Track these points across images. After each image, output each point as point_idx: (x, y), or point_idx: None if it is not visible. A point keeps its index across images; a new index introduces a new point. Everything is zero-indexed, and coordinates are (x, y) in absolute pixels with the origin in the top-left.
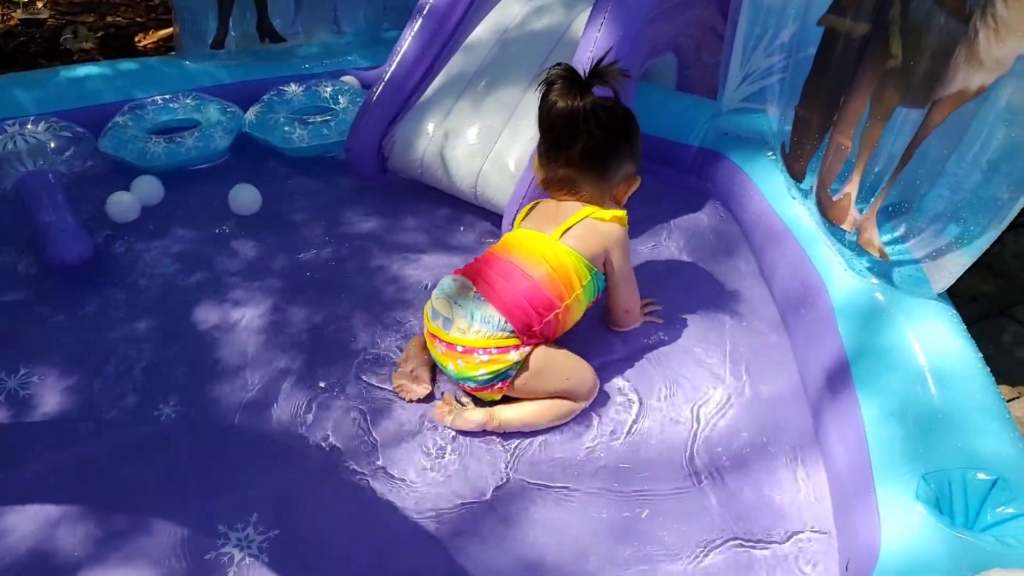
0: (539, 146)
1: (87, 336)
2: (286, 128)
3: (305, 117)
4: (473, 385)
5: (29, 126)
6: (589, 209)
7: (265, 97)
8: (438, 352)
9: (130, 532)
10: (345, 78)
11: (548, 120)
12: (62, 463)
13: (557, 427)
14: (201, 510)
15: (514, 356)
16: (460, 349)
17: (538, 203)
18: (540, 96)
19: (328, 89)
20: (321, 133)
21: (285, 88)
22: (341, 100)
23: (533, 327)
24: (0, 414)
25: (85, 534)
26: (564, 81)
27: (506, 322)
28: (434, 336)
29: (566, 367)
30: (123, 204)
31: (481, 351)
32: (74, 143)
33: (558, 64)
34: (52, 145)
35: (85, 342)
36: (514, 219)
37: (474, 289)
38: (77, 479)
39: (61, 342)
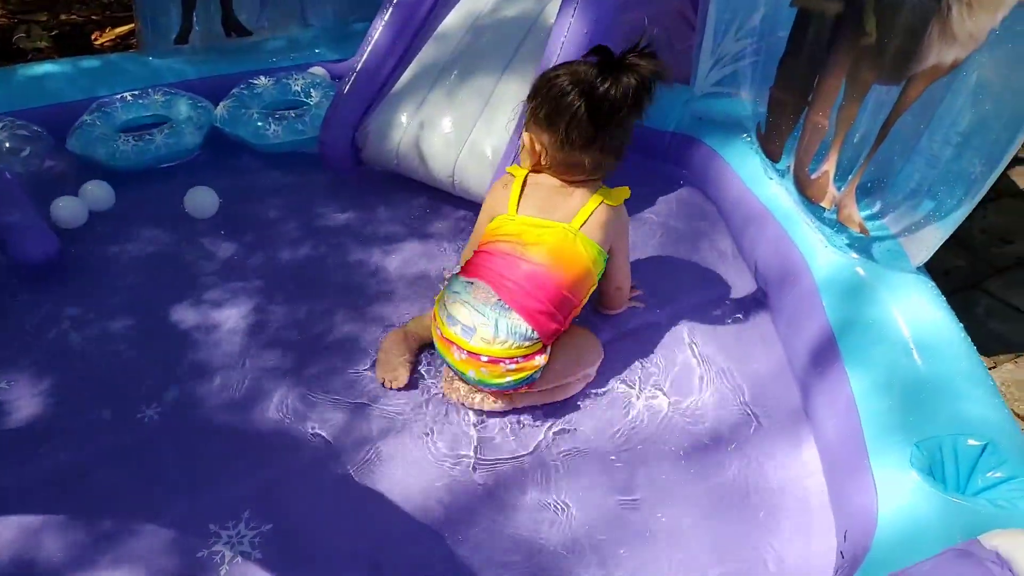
0: (556, 133)
1: (58, 339)
2: (259, 124)
3: (278, 112)
4: (494, 388)
5: None
6: (600, 194)
7: (234, 91)
8: (455, 358)
9: (118, 535)
10: (314, 70)
11: (594, 111)
12: (43, 468)
13: (548, 413)
14: (190, 509)
15: (540, 360)
16: (485, 359)
17: (526, 178)
18: (575, 90)
19: (299, 82)
20: (295, 128)
21: (255, 81)
22: (313, 93)
23: (559, 330)
24: None
25: (71, 539)
26: (604, 67)
27: (533, 331)
28: (451, 342)
29: (580, 348)
30: (68, 209)
31: (508, 361)
32: (31, 142)
33: (590, 53)
34: (7, 145)
35: (57, 345)
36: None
37: (496, 296)
38: (60, 484)
39: (31, 345)
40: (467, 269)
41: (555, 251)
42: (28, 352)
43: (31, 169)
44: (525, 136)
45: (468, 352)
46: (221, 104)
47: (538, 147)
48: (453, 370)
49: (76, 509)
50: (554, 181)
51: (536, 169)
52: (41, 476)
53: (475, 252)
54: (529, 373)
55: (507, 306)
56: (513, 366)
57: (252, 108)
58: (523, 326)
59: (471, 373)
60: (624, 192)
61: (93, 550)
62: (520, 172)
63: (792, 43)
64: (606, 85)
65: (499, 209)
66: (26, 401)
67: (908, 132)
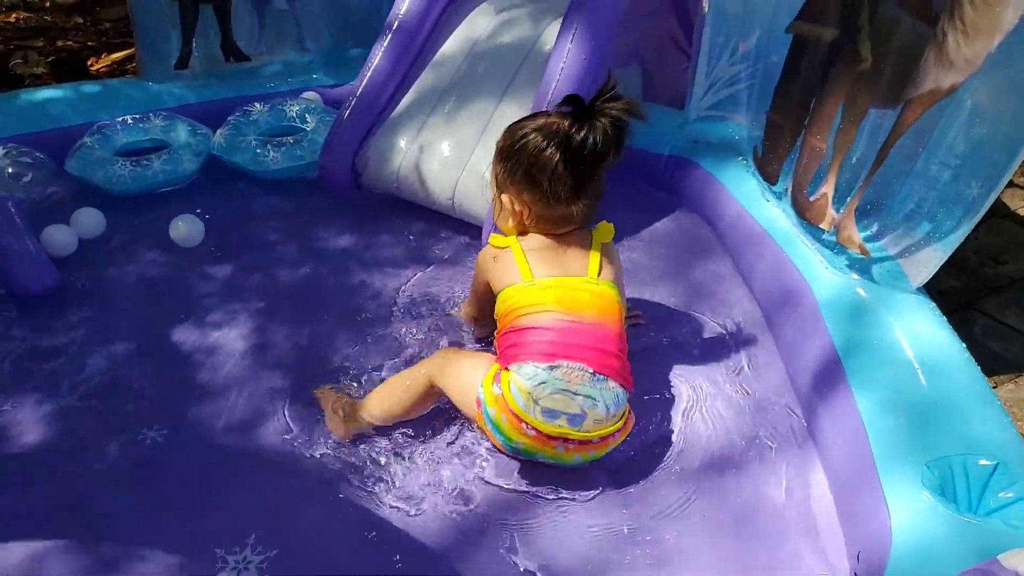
0: (539, 190)
1: (58, 364)
2: (258, 151)
3: (276, 138)
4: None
5: None
6: (597, 235)
7: (231, 119)
8: (557, 451)
9: (123, 560)
10: (307, 95)
11: (576, 161)
12: (46, 492)
13: None
14: (195, 534)
15: (631, 416)
16: (596, 440)
17: (529, 242)
18: (551, 143)
19: (294, 108)
20: (294, 154)
21: (250, 108)
22: (309, 119)
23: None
24: None
25: (77, 564)
26: (577, 116)
27: (624, 390)
28: (554, 438)
29: None
30: (58, 238)
31: (616, 433)
32: (33, 169)
33: (557, 106)
34: (10, 171)
35: (58, 370)
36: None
37: (591, 369)
38: (64, 508)
39: (31, 369)
40: (531, 353)
41: (598, 304)
42: (29, 376)
43: (32, 196)
44: (504, 199)
45: (578, 442)
46: (218, 132)
47: (519, 207)
48: (548, 460)
49: (81, 533)
50: (545, 240)
51: (521, 231)
52: (45, 499)
53: (515, 330)
54: (628, 428)
55: (603, 376)
56: (618, 435)
57: (250, 135)
58: (619, 390)
59: (576, 458)
60: (609, 228)
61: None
62: (506, 239)
63: (788, 68)
64: (583, 133)
65: (508, 279)
66: (29, 424)
67: (904, 154)
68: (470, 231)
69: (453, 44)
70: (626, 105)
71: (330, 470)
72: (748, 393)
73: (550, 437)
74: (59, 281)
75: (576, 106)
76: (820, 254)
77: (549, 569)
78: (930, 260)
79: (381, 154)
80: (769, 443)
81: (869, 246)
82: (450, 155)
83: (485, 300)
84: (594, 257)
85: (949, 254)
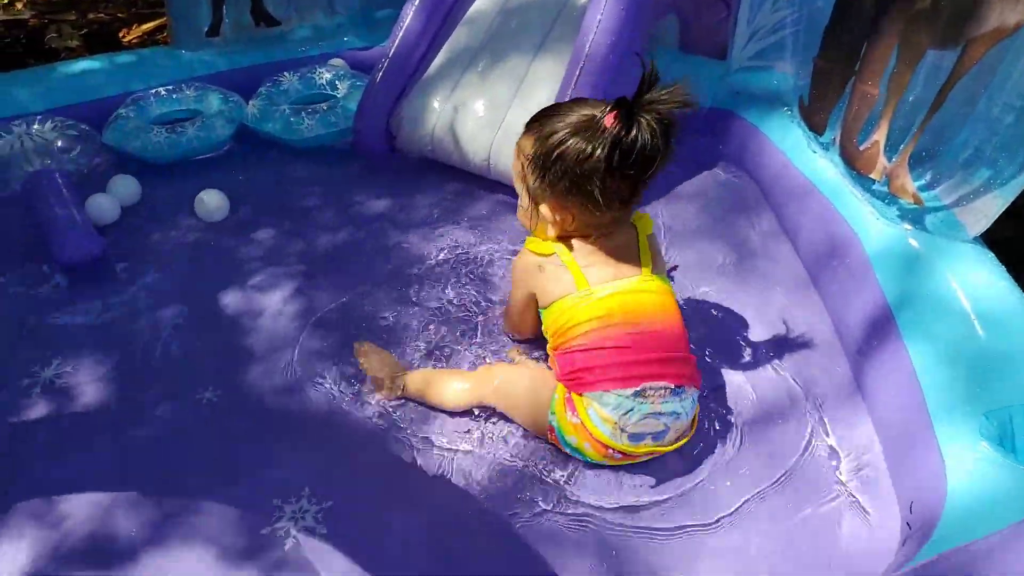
0: (588, 199)
1: (113, 328)
2: (291, 119)
3: (309, 106)
4: None
5: (36, 126)
6: (641, 229)
7: (262, 89)
8: (640, 458)
9: (184, 513)
10: (334, 61)
11: (628, 166)
12: (110, 449)
13: None
14: (252, 488)
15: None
16: (679, 443)
17: (575, 245)
18: (596, 147)
19: (324, 76)
20: (328, 121)
21: (280, 78)
22: (339, 86)
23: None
24: (41, 405)
25: (141, 517)
26: (620, 109)
27: (696, 390)
28: (641, 454)
29: None
30: (102, 207)
31: (689, 429)
32: (80, 141)
33: (607, 102)
34: (58, 144)
35: (112, 334)
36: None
37: (671, 386)
38: (126, 464)
39: (88, 334)
40: (609, 379)
41: (660, 303)
42: (85, 341)
43: (80, 168)
44: (543, 210)
45: (661, 452)
46: (251, 103)
47: (560, 216)
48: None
49: (144, 488)
50: (591, 246)
51: (563, 237)
52: (109, 457)
53: (582, 351)
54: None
55: (682, 387)
56: (690, 430)
57: (282, 104)
58: (695, 393)
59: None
60: (649, 221)
61: (163, 529)
62: (549, 245)
63: (838, 10)
64: (633, 133)
65: (559, 290)
66: (88, 386)
67: (965, 97)
68: (505, 190)
69: (485, 1)
70: (674, 95)
71: (377, 425)
72: (793, 346)
73: (637, 455)
74: (104, 249)
75: (619, 103)
76: (870, 205)
77: (601, 507)
78: (989, 208)
79: (415, 116)
80: (816, 397)
81: (923, 195)
82: (484, 115)
83: (530, 314)
84: (644, 251)
85: (1010, 201)
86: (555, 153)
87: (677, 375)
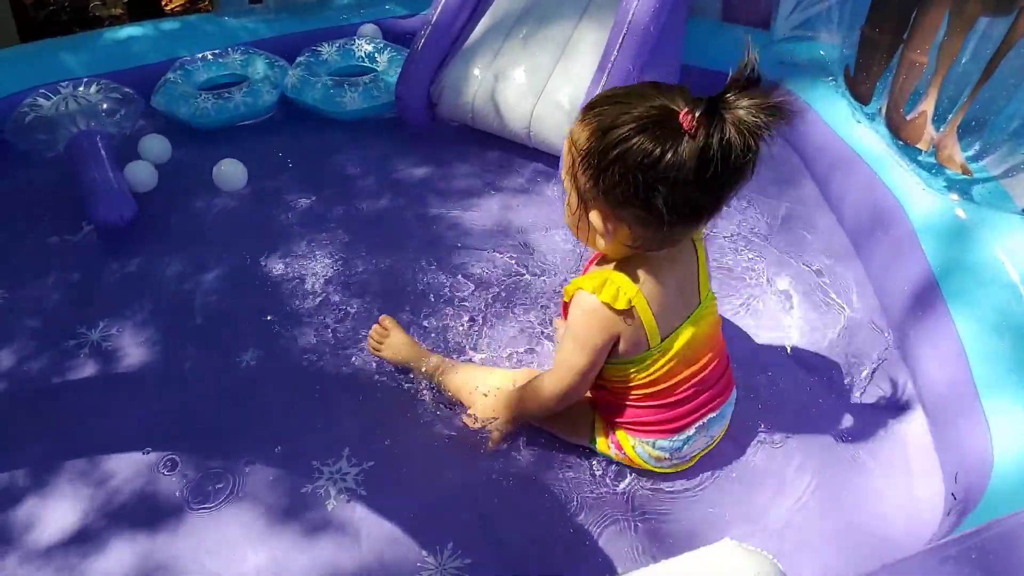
0: (651, 211)
1: (156, 291)
2: (331, 91)
3: (349, 78)
4: None
5: (81, 88)
6: (698, 242)
7: (301, 59)
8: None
9: (227, 472)
10: (365, 28)
11: (709, 177)
12: (154, 410)
13: None
14: (293, 448)
15: None
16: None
17: (650, 289)
18: (669, 150)
19: (365, 47)
20: (371, 95)
21: (319, 48)
22: (378, 58)
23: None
24: (88, 366)
25: (184, 476)
26: (710, 115)
27: (734, 389)
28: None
29: None
30: (141, 174)
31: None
32: (124, 104)
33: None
34: (103, 107)
35: (155, 296)
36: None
37: (716, 410)
38: (169, 425)
39: (132, 297)
40: (664, 430)
41: (714, 331)
42: (127, 303)
43: (124, 131)
44: (593, 217)
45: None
46: (290, 72)
47: (613, 226)
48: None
49: (187, 448)
50: (660, 269)
51: (617, 253)
52: (153, 417)
53: (640, 406)
54: None
55: (720, 408)
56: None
57: (322, 76)
58: (733, 396)
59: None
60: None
61: (206, 487)
62: (625, 291)
63: None
64: (716, 137)
65: (634, 350)
66: (133, 348)
67: (1017, 66)
68: (545, 159)
69: None
70: (769, 101)
71: (416, 388)
72: (836, 318)
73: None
74: (137, 213)
75: (694, 100)
76: (916, 175)
77: (649, 493)
78: None
79: (456, 84)
80: (858, 367)
81: (971, 166)
82: (525, 82)
83: (594, 376)
84: (703, 270)
85: None
86: (614, 153)
87: (724, 397)
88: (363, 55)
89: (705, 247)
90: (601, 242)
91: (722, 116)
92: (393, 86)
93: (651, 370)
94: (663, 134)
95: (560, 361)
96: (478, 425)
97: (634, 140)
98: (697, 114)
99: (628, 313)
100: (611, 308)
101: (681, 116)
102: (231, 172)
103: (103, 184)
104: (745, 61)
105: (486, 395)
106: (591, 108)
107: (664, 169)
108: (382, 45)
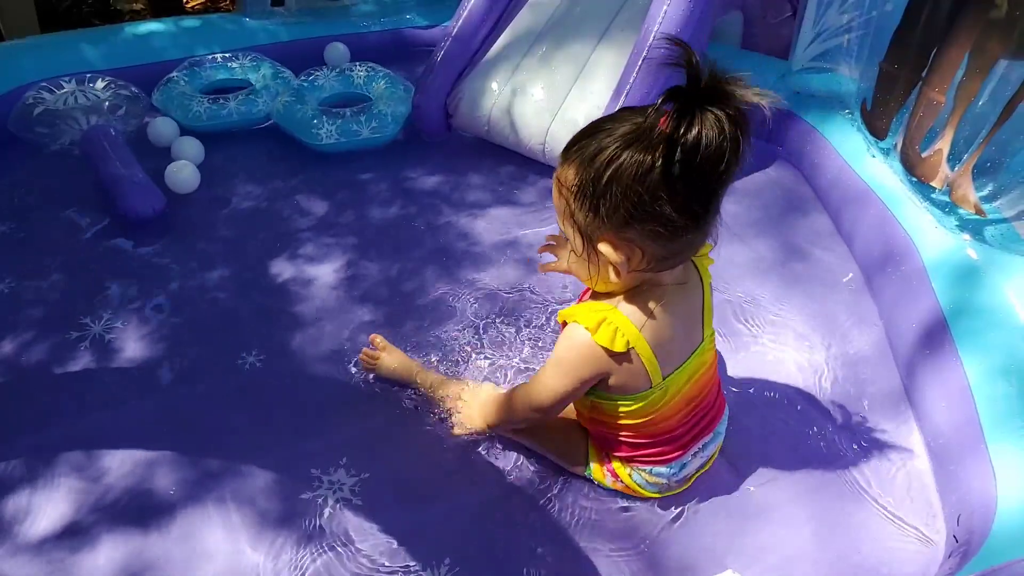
0: (656, 223)
1: (164, 287)
2: (314, 122)
3: (331, 109)
4: None
5: (88, 83)
6: (703, 268)
7: (295, 84)
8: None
9: (223, 474)
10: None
11: (695, 167)
12: (153, 407)
13: None
14: (291, 454)
15: None
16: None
17: (651, 327)
18: (655, 155)
19: (361, 74)
20: (350, 129)
21: (316, 72)
22: (375, 87)
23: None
24: (88, 358)
25: (180, 475)
26: (681, 107)
27: (726, 410)
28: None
29: None
30: (186, 179)
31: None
32: (128, 102)
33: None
34: (108, 103)
35: (163, 292)
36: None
37: (710, 435)
38: (168, 422)
39: (139, 292)
40: (660, 460)
41: (712, 367)
42: (135, 298)
43: (128, 128)
44: (604, 249)
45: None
46: (279, 97)
47: (625, 252)
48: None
49: (185, 447)
50: (664, 305)
51: (628, 285)
52: (150, 414)
53: (636, 442)
54: None
55: (715, 428)
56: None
57: (308, 104)
58: (726, 414)
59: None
60: (708, 257)
61: (202, 488)
62: (625, 333)
63: (909, 14)
64: (694, 130)
65: (633, 388)
66: (135, 343)
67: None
68: None
69: None
70: (737, 87)
71: (418, 402)
72: (842, 352)
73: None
74: (166, 206)
75: (671, 96)
76: (929, 213)
77: (642, 516)
78: None
79: (473, 96)
80: (864, 403)
81: (984, 206)
82: (543, 99)
83: (567, 405)
84: (707, 304)
85: None
86: (607, 174)
87: (719, 417)
88: (360, 82)
89: (711, 287)
90: (615, 276)
91: (693, 108)
92: (382, 117)
93: (650, 407)
94: (649, 143)
95: (538, 379)
96: (458, 431)
97: (623, 157)
98: (668, 113)
99: (625, 356)
100: (606, 350)
101: (658, 120)
102: (182, 177)
103: (132, 178)
104: (696, 59)
105: (466, 402)
106: (569, 149)
107: (660, 174)
108: (382, 74)
